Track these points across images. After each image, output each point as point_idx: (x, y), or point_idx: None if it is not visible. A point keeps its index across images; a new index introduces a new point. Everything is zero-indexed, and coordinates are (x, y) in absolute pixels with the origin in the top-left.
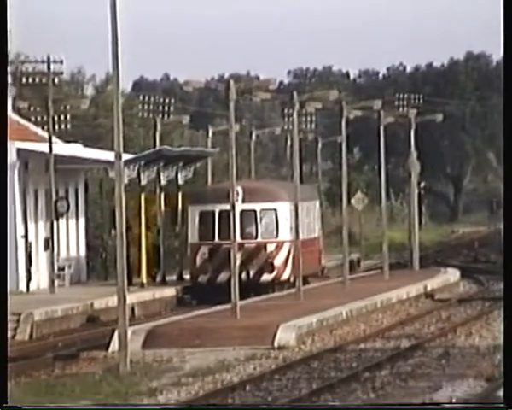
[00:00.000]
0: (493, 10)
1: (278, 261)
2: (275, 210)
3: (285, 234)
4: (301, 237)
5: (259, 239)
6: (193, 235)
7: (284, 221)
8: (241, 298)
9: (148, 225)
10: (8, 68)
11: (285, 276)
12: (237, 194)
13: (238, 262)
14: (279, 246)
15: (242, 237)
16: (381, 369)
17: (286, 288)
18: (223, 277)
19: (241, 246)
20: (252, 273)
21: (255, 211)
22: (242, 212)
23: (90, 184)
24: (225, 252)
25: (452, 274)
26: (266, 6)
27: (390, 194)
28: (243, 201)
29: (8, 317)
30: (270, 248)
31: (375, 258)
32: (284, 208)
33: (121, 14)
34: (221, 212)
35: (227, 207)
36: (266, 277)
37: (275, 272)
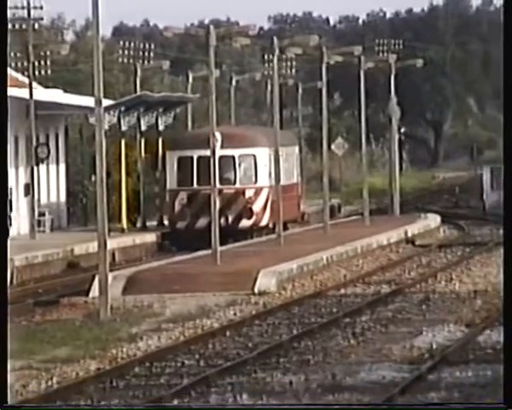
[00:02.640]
0: None
1: (257, 207)
2: (253, 156)
3: (264, 180)
4: (280, 182)
5: (238, 185)
6: (171, 181)
7: (263, 167)
8: (220, 244)
9: (128, 171)
10: None
11: (264, 222)
12: (216, 139)
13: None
14: (258, 192)
15: (221, 182)
16: (362, 314)
17: (265, 234)
18: (201, 222)
19: (219, 192)
20: (230, 219)
21: (234, 157)
22: (221, 158)
23: (70, 129)
24: (204, 198)
25: (433, 220)
26: None
27: (370, 139)
28: (222, 146)
29: None
30: (249, 193)
31: (356, 204)
32: (263, 154)
33: None
34: (199, 158)
35: (205, 152)
36: (245, 222)
37: (253, 218)
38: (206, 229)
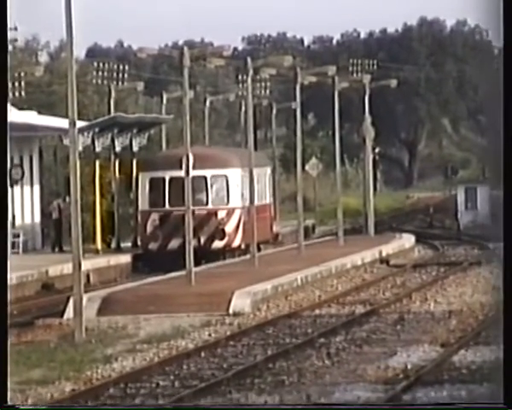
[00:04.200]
0: None
1: (229, 228)
2: (225, 176)
3: (236, 200)
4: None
5: (210, 206)
6: (143, 202)
7: (235, 187)
8: (186, 266)
9: (102, 192)
10: None
11: (236, 243)
12: (189, 161)
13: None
14: (230, 212)
15: (193, 203)
16: (336, 335)
17: (237, 255)
18: (173, 244)
19: (191, 213)
20: (203, 240)
21: (206, 177)
22: (193, 178)
23: (44, 151)
24: (176, 219)
25: (407, 240)
26: None
27: (344, 160)
28: (194, 167)
29: None
30: (221, 214)
31: (330, 224)
32: (235, 175)
33: None
34: (171, 178)
35: (177, 173)
36: (217, 243)
37: (226, 239)
38: (179, 250)
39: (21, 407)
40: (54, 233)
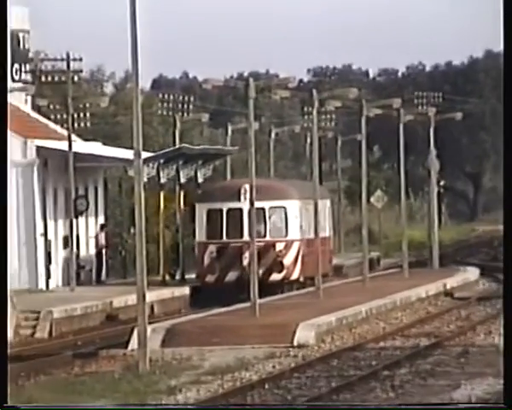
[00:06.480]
0: None
1: (287, 261)
2: (284, 208)
3: (294, 233)
4: (311, 236)
5: (268, 238)
6: (200, 233)
7: (293, 219)
8: (250, 298)
9: (166, 224)
10: (28, 67)
11: (294, 275)
12: (245, 192)
13: (246, 261)
14: (288, 245)
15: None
16: (401, 367)
17: (295, 288)
18: (231, 276)
19: (249, 245)
20: (260, 273)
21: (264, 209)
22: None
23: (109, 182)
24: (233, 251)
25: (472, 273)
26: (286, 4)
27: (409, 192)
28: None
29: (27, 315)
30: (280, 247)
31: (395, 256)
32: (294, 206)
33: (140, 11)
34: (229, 210)
35: (235, 205)
36: (275, 276)
37: (284, 272)
38: (236, 283)
39: (21, 407)
40: (95, 265)
